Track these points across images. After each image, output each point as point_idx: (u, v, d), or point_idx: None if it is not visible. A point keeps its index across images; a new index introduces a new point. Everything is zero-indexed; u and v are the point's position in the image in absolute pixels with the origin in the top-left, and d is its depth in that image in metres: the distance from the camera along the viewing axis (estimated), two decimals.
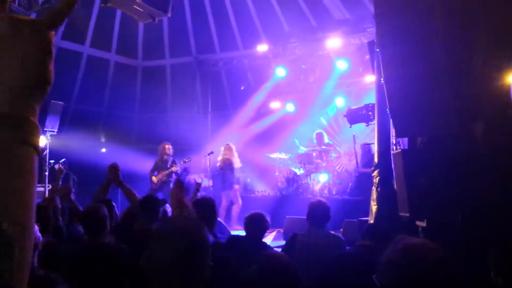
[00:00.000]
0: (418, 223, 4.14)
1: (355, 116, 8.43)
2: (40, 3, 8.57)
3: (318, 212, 4.04)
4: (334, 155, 10.24)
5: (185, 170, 8.48)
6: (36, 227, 2.72)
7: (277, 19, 11.55)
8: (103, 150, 13.28)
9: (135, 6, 6.74)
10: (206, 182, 9.60)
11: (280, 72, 11.70)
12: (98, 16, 11.63)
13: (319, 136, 10.33)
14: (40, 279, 2.11)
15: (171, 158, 8.77)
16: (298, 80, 11.80)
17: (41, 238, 2.92)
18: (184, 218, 1.49)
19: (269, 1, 11.32)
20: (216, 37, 12.59)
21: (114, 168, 4.35)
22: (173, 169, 8.56)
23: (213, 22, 12.32)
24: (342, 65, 10.70)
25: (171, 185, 8.57)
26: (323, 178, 9.92)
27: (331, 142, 10.56)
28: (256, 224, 3.97)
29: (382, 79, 4.41)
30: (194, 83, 13.08)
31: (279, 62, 11.67)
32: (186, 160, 8.80)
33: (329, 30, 10.43)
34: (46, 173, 9.48)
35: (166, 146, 8.85)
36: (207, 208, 4.00)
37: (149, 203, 4.01)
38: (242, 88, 12.39)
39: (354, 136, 9.11)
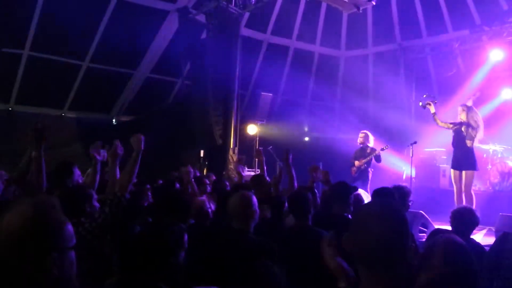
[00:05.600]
0: None
1: None
2: (253, 2, 9.41)
3: None
4: None
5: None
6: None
7: None
8: (306, 139, 13.95)
9: None
10: (408, 172, 9.25)
11: (496, 55, 10.52)
12: (304, 11, 12.19)
13: None
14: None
15: (370, 147, 8.62)
16: None
17: None
18: (383, 202, 1.51)
19: None
20: (423, 21, 11.95)
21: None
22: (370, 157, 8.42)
23: (419, 4, 11.73)
24: None
25: (370, 174, 8.48)
26: None
27: None
28: (464, 219, 3.71)
29: None
30: (398, 71, 12.65)
31: (495, 44, 10.57)
32: (385, 148, 8.55)
33: None
34: (256, 159, 10.39)
35: (366, 134, 8.74)
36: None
37: (341, 189, 4.04)
38: (450, 74, 11.50)
39: None
